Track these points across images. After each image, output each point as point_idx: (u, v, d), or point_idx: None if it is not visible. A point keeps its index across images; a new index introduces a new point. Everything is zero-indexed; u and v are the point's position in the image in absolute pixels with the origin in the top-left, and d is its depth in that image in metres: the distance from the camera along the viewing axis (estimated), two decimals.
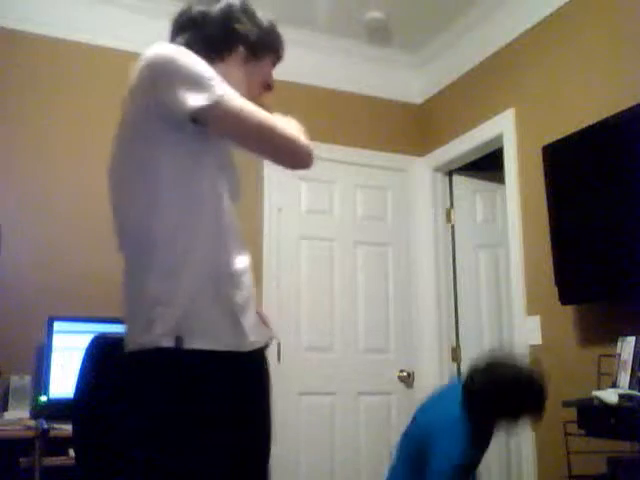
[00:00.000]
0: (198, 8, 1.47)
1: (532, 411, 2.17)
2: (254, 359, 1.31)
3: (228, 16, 1.46)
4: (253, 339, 1.30)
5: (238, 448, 1.26)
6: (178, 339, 1.20)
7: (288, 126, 1.38)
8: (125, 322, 1.30)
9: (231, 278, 1.29)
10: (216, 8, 1.46)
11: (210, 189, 1.31)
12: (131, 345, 1.26)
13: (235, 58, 1.47)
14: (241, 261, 1.32)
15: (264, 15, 1.53)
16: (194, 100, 1.24)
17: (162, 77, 1.28)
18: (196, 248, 1.26)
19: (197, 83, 1.26)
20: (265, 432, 1.33)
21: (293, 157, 1.39)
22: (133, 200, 1.30)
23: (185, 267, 1.25)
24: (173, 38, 1.48)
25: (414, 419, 2.36)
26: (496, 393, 2.12)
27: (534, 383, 2.15)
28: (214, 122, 1.29)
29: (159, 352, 1.20)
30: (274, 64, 1.57)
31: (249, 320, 1.30)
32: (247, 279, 1.33)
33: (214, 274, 1.27)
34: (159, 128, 1.28)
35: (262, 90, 1.54)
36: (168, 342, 1.19)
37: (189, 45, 1.40)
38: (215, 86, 1.27)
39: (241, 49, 1.47)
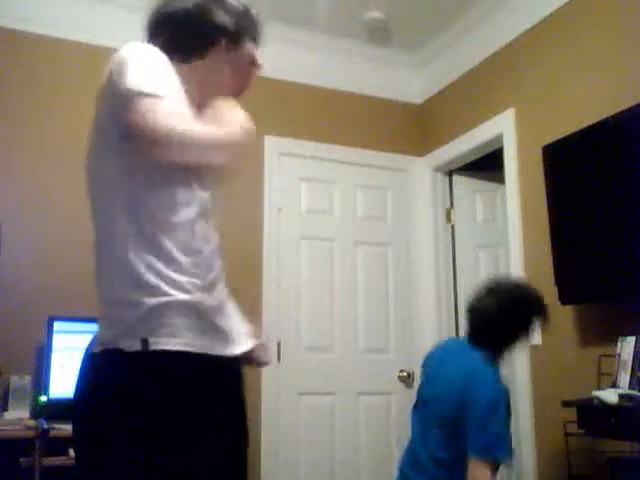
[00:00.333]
0: (171, 7, 1.44)
1: (541, 314, 2.29)
2: (227, 365, 1.30)
3: (203, 11, 1.42)
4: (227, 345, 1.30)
5: (222, 450, 1.28)
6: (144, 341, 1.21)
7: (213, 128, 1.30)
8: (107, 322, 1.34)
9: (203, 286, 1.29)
10: (189, 4, 1.42)
11: (171, 201, 1.28)
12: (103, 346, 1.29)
13: (217, 51, 1.44)
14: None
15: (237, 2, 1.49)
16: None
17: (114, 78, 1.28)
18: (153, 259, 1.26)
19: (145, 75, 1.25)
20: (238, 440, 1.33)
21: (225, 157, 1.33)
22: (102, 201, 1.33)
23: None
24: (150, 40, 1.45)
25: (426, 381, 2.35)
26: (508, 307, 2.21)
27: (533, 289, 2.32)
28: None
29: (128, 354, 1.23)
30: (257, 43, 1.54)
31: (225, 324, 1.31)
32: (220, 286, 1.34)
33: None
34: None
35: (251, 71, 1.52)
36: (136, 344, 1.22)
37: (167, 46, 1.38)
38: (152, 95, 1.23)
39: (222, 41, 1.44)
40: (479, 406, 2.05)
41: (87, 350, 1.48)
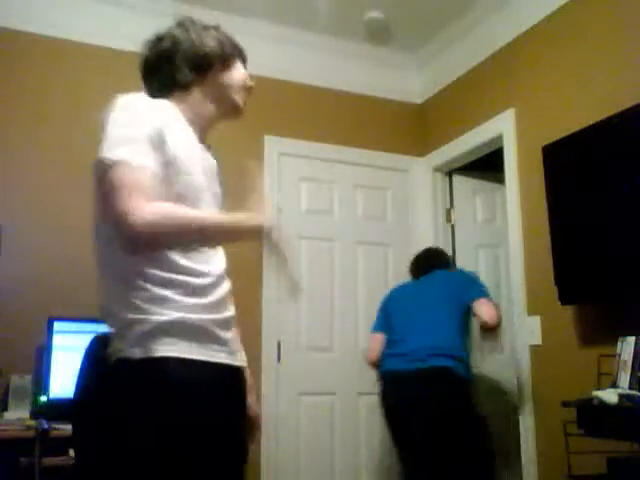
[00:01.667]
0: (160, 47, 1.52)
1: None
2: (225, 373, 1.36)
3: (195, 45, 1.50)
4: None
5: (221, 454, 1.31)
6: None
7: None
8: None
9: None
10: (180, 39, 1.50)
11: None
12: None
13: (212, 76, 1.51)
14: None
15: (205, 23, 1.57)
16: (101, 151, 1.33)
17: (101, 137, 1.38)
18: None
19: (111, 140, 1.33)
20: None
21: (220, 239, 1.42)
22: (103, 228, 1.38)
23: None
24: (147, 81, 1.56)
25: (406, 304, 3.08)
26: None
27: None
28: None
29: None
30: (244, 62, 1.60)
31: (226, 337, 1.39)
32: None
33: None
34: None
35: (247, 91, 1.58)
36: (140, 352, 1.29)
37: (164, 87, 1.49)
38: (120, 149, 1.30)
39: (216, 66, 1.52)
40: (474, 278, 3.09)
41: (91, 353, 1.47)
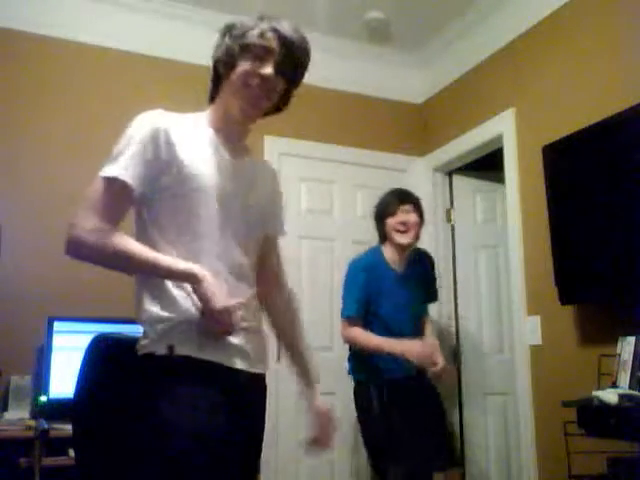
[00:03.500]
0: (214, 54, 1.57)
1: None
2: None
3: (214, 54, 1.56)
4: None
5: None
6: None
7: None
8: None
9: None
10: (215, 50, 1.55)
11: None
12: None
13: (224, 83, 1.54)
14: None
15: (241, 25, 1.59)
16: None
17: None
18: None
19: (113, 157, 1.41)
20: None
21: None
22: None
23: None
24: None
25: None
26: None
27: None
28: None
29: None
30: (263, 55, 1.56)
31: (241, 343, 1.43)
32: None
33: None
34: None
35: (252, 87, 1.54)
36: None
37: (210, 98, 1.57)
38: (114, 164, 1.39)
39: (223, 73, 1.54)
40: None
41: (88, 350, 1.47)
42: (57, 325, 2.88)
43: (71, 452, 2.47)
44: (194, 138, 1.45)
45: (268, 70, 1.48)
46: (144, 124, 1.42)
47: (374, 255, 2.98)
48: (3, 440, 2.54)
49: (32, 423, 2.60)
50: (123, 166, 1.36)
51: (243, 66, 1.49)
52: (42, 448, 2.45)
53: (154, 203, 1.41)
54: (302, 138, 3.79)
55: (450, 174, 4.05)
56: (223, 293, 1.33)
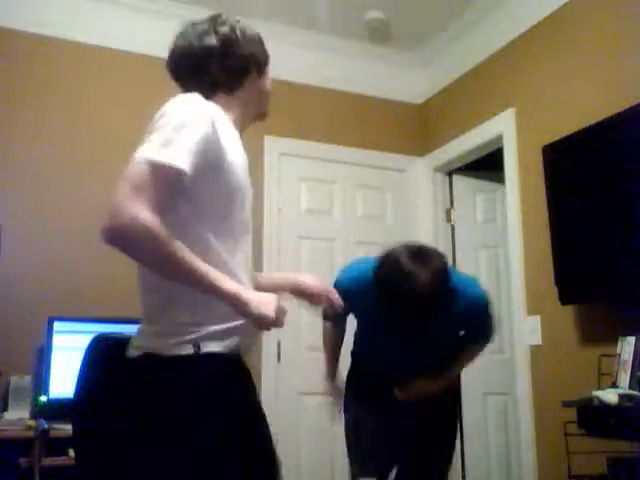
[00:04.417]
0: (207, 43, 1.47)
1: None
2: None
3: (241, 47, 1.49)
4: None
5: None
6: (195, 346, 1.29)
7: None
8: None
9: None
10: (231, 38, 1.49)
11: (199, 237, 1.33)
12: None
13: (251, 81, 1.52)
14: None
15: (249, 27, 1.55)
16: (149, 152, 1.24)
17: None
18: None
19: (161, 140, 1.25)
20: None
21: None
22: None
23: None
24: (185, 77, 1.51)
25: None
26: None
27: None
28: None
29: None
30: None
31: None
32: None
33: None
34: None
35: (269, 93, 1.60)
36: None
37: (207, 87, 1.45)
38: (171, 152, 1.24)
39: (253, 71, 1.52)
40: None
41: (87, 350, 1.47)
42: (57, 325, 2.88)
43: (71, 452, 2.47)
44: (230, 133, 1.40)
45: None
46: (198, 110, 1.31)
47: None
48: (3, 440, 2.54)
49: (32, 423, 2.60)
50: (178, 153, 1.23)
51: (269, 75, 1.57)
52: (42, 448, 2.45)
53: (195, 194, 1.31)
54: (302, 138, 3.79)
55: (450, 174, 4.05)
56: (269, 301, 1.29)
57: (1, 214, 3.00)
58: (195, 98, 1.35)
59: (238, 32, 1.50)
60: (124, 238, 1.18)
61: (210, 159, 1.29)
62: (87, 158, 3.27)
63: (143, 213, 1.17)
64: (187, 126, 1.26)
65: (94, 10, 3.39)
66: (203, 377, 1.29)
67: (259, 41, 1.55)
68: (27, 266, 3.06)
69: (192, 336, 1.29)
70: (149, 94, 3.46)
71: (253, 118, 1.59)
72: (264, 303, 1.28)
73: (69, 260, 3.12)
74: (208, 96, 1.41)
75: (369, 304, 2.07)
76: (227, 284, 1.26)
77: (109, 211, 1.18)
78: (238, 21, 1.54)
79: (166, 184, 1.22)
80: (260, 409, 1.41)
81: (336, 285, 2.10)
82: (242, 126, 1.53)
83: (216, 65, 1.46)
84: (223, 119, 1.38)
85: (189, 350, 1.28)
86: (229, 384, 1.32)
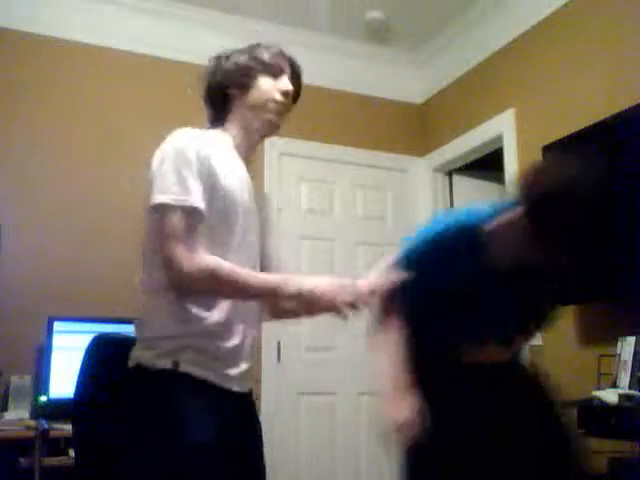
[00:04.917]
0: (211, 81, 1.57)
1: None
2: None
3: (223, 74, 1.55)
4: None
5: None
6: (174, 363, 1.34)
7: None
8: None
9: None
10: (220, 69, 1.55)
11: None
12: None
13: (237, 101, 1.55)
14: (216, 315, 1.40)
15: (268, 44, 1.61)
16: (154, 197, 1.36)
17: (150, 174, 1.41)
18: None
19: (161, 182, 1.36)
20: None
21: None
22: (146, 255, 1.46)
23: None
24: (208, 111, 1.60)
25: None
26: None
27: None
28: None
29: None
30: (278, 73, 1.59)
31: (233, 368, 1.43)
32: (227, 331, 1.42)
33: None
34: None
35: (279, 103, 1.56)
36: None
37: (216, 118, 1.56)
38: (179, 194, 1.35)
39: (233, 92, 1.55)
40: None
41: (88, 350, 1.47)
42: (57, 325, 2.88)
43: (71, 452, 2.47)
44: (226, 158, 1.46)
45: (290, 86, 1.56)
46: (191, 145, 1.40)
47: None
48: (3, 440, 2.54)
49: (32, 423, 2.60)
50: (193, 192, 1.35)
51: (265, 83, 1.53)
52: (42, 448, 2.45)
53: None
54: (302, 138, 3.78)
55: (450, 174, 4.05)
56: (331, 285, 1.51)
57: (1, 214, 3.00)
58: (189, 133, 1.43)
59: (213, 63, 1.57)
60: (197, 288, 1.35)
61: (207, 186, 1.38)
62: (87, 158, 3.27)
63: (203, 259, 1.33)
64: (186, 163, 1.36)
65: (94, 10, 3.39)
66: (179, 392, 1.33)
67: (242, 57, 1.55)
68: (27, 266, 3.05)
69: (169, 348, 1.34)
70: (149, 94, 3.46)
71: (260, 134, 1.57)
72: (337, 293, 1.50)
73: (69, 260, 3.12)
74: (220, 125, 1.55)
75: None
76: (294, 285, 1.41)
77: (166, 268, 1.34)
78: (234, 50, 1.58)
79: (196, 223, 1.36)
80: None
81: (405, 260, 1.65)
82: (248, 146, 1.55)
83: (208, 102, 1.59)
84: (218, 146, 1.45)
85: (167, 364, 1.33)
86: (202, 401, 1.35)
